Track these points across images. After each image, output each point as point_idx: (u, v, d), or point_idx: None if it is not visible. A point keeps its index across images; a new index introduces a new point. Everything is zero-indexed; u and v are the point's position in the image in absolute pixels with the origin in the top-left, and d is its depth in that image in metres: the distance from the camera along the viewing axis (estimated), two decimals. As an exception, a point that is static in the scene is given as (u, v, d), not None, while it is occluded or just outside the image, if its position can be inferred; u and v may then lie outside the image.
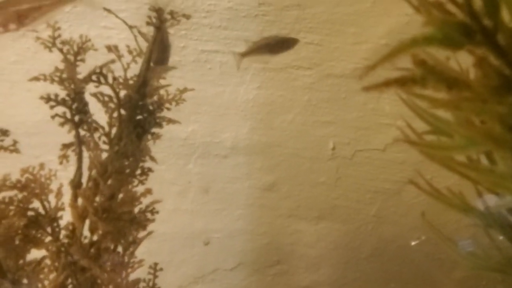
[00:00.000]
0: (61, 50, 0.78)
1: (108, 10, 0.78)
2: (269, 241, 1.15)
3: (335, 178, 1.12)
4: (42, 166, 0.77)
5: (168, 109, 0.80)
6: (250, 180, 1.13)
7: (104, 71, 0.75)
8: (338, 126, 1.11)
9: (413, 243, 1.16)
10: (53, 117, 0.77)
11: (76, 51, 0.77)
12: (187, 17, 0.76)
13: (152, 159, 0.78)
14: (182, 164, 1.13)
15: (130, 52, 0.77)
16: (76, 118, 0.77)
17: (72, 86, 0.75)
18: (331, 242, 1.14)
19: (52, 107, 0.76)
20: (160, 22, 0.75)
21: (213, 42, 1.09)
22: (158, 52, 0.76)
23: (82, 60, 0.78)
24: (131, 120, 0.76)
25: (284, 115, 1.11)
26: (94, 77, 0.75)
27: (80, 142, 0.77)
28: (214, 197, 1.14)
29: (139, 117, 0.77)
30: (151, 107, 0.77)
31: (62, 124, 0.77)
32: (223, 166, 1.13)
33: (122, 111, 0.76)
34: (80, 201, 0.77)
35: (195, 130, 1.12)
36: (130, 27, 0.76)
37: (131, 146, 0.75)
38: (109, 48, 0.76)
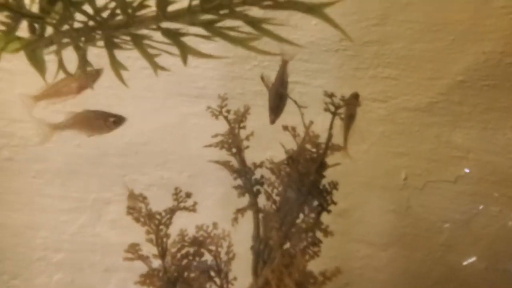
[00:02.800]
0: (226, 118, 0.84)
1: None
2: (339, 264, 1.19)
3: (406, 206, 1.17)
4: (215, 225, 0.84)
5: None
6: (323, 206, 1.18)
7: (294, 155, 0.83)
8: (411, 158, 1.15)
9: (465, 263, 1.19)
10: (235, 187, 0.85)
11: (240, 119, 0.84)
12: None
13: (325, 233, 0.81)
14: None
15: (307, 133, 0.86)
16: (254, 188, 0.84)
17: (234, 150, 0.81)
18: (399, 268, 1.18)
19: (235, 178, 0.84)
20: (335, 108, 0.81)
21: (294, 73, 1.13)
22: (275, 101, 0.81)
23: (243, 128, 0.85)
24: (309, 198, 0.81)
25: (358, 145, 1.15)
26: (285, 161, 0.83)
27: (257, 210, 0.83)
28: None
29: (315, 195, 0.82)
30: (328, 188, 0.83)
31: (242, 194, 0.84)
32: (299, 191, 1.18)
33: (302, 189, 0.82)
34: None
35: (272, 156, 1.17)
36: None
37: (309, 223, 0.80)
38: (285, 128, 0.85)
